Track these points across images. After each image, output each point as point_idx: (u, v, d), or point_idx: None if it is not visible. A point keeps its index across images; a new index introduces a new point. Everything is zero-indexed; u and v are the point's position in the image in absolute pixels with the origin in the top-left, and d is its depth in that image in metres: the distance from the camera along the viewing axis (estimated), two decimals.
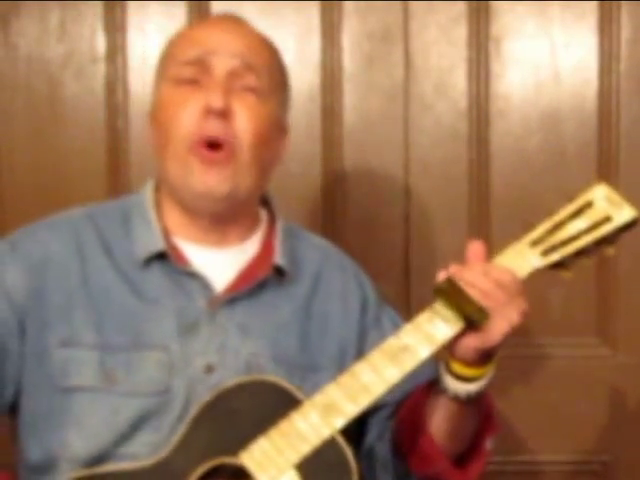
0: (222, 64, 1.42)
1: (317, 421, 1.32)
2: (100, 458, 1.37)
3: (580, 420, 1.96)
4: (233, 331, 1.43)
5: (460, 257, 1.36)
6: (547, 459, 1.98)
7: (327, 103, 1.96)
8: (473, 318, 1.32)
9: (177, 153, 1.41)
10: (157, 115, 1.46)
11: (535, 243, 1.37)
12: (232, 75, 1.42)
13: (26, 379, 1.42)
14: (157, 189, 1.51)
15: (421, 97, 1.95)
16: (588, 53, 1.94)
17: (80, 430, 1.38)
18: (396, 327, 1.41)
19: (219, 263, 1.46)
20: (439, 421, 1.41)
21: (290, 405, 1.33)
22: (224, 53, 1.43)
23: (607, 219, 1.37)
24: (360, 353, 1.44)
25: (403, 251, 1.96)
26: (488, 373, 1.37)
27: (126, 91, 1.95)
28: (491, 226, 1.96)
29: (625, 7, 1.93)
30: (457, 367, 1.36)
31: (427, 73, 1.95)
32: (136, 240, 1.45)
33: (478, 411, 1.42)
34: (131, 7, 1.94)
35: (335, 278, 1.54)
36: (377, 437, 1.51)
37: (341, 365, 1.42)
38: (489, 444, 1.46)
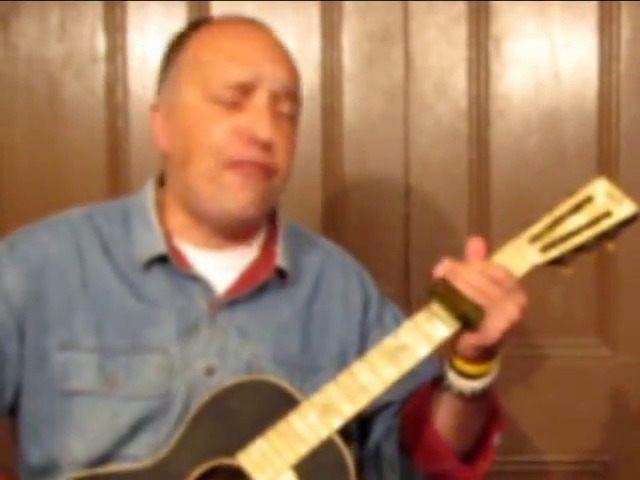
0: (266, 90, 1.41)
1: (315, 421, 1.31)
2: (101, 460, 1.37)
3: (580, 420, 1.96)
4: (233, 333, 1.42)
5: (460, 257, 1.36)
6: (547, 459, 1.98)
7: (327, 103, 1.95)
8: (469, 316, 1.31)
9: (208, 167, 1.40)
10: (180, 120, 1.43)
11: (534, 239, 1.36)
12: (273, 99, 1.41)
13: (26, 382, 1.41)
14: (158, 188, 1.50)
15: (421, 97, 1.95)
16: (588, 53, 1.94)
17: (81, 434, 1.38)
18: (399, 325, 1.39)
19: (220, 266, 1.46)
20: (445, 418, 1.40)
21: (288, 405, 1.33)
22: (269, 79, 1.41)
23: (607, 214, 1.35)
24: (361, 353, 1.43)
25: (403, 251, 1.96)
26: (492, 370, 1.37)
27: (126, 91, 1.95)
28: (491, 226, 1.96)
29: (625, 7, 1.93)
30: (460, 364, 1.36)
31: (427, 73, 1.95)
32: (136, 242, 1.45)
33: (484, 408, 1.41)
34: (131, 7, 1.94)
35: (337, 278, 1.53)
36: (384, 436, 1.51)
37: (342, 365, 1.41)
38: (496, 440, 1.45)
